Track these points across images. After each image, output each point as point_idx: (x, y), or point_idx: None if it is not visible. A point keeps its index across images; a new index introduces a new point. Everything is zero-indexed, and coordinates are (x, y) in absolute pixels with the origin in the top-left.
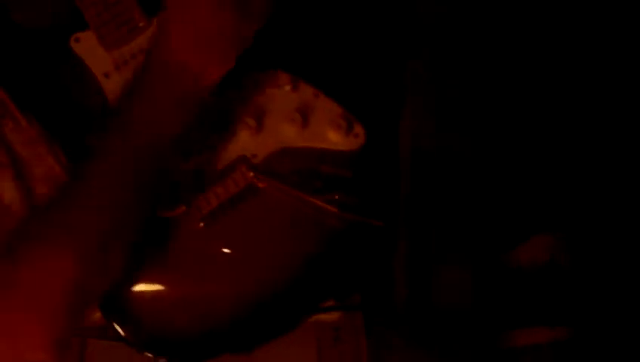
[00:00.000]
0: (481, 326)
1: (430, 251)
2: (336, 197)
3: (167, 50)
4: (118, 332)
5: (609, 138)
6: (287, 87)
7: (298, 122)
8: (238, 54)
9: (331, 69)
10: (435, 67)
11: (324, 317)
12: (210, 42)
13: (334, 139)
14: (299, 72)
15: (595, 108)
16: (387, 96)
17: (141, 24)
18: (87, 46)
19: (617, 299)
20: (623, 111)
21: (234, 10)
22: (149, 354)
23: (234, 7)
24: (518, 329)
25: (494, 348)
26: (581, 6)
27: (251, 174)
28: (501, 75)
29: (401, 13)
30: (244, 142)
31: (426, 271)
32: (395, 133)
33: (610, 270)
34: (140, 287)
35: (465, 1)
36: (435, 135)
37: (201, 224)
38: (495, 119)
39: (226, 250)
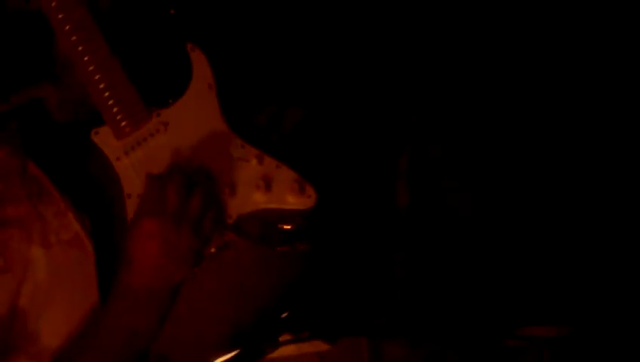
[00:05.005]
0: (481, 326)
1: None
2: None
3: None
4: None
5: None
6: (254, 161)
7: (262, 188)
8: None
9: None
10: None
11: None
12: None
13: (292, 200)
14: None
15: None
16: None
17: (141, 118)
18: (103, 137)
19: (617, 299)
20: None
21: (184, 232)
22: None
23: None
24: (519, 328)
25: (494, 348)
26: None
27: (227, 233)
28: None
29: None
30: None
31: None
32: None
33: (610, 270)
34: None
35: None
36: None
37: None
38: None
39: (206, 296)
